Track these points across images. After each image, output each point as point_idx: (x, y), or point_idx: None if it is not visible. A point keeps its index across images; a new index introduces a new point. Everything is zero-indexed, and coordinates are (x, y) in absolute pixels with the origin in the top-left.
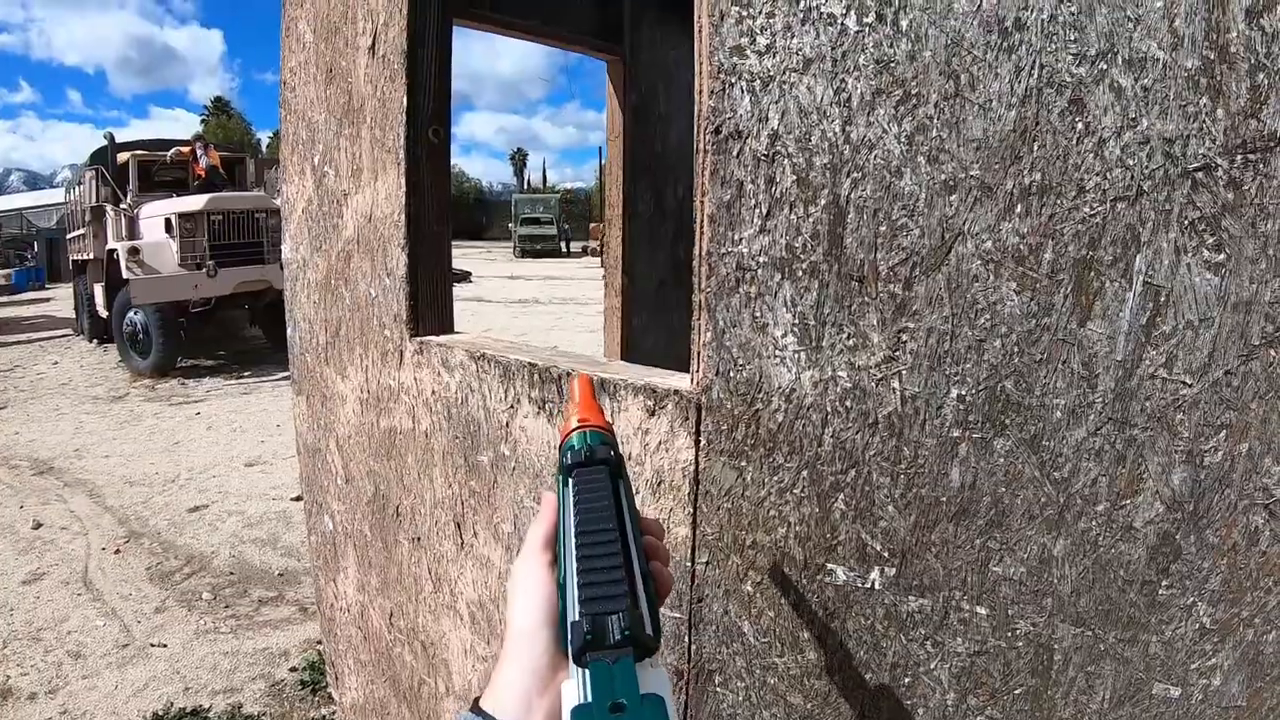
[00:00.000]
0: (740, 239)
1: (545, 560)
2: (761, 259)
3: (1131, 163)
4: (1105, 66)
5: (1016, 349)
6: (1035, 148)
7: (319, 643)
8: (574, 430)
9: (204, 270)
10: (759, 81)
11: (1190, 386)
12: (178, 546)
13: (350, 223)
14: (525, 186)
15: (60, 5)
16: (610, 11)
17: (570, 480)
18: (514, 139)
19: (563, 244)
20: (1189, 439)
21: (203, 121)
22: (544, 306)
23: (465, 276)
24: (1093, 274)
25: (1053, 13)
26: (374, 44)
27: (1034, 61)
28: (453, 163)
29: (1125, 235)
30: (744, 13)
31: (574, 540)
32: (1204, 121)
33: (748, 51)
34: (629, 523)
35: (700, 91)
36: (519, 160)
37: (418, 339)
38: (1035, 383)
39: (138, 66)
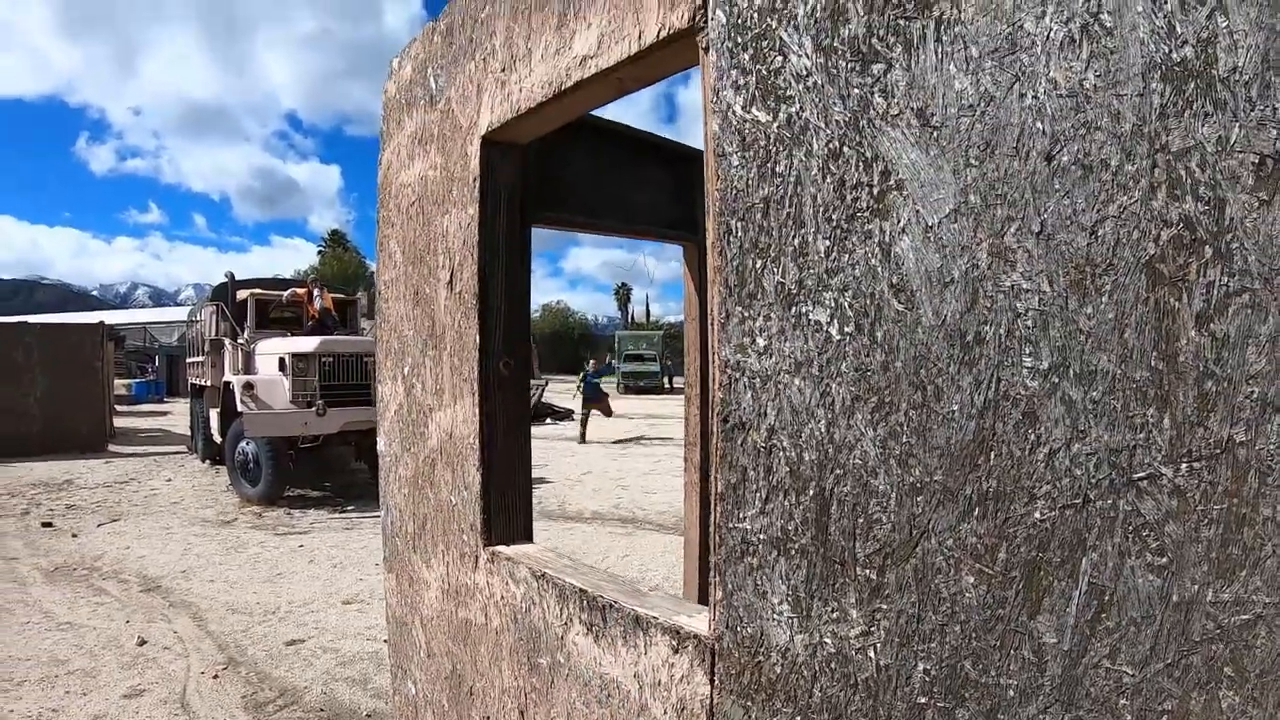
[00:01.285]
0: (745, 517)
1: None
2: (762, 536)
3: (1079, 473)
4: (1057, 380)
5: (974, 634)
6: (992, 457)
7: None
8: None
9: (314, 409)
10: (759, 379)
11: (1133, 675)
12: (273, 678)
13: (434, 434)
14: (629, 321)
15: (189, 136)
16: (684, 201)
17: None
18: (618, 273)
19: (665, 380)
20: None
21: (320, 253)
22: (643, 448)
23: (566, 415)
24: (1042, 573)
25: (1009, 327)
26: (451, 280)
27: (992, 375)
28: (558, 297)
29: (1072, 539)
30: (746, 313)
31: None
32: (1150, 432)
33: (749, 350)
34: None
35: (712, 381)
36: (623, 295)
37: (490, 549)
38: (990, 665)
39: (260, 196)
